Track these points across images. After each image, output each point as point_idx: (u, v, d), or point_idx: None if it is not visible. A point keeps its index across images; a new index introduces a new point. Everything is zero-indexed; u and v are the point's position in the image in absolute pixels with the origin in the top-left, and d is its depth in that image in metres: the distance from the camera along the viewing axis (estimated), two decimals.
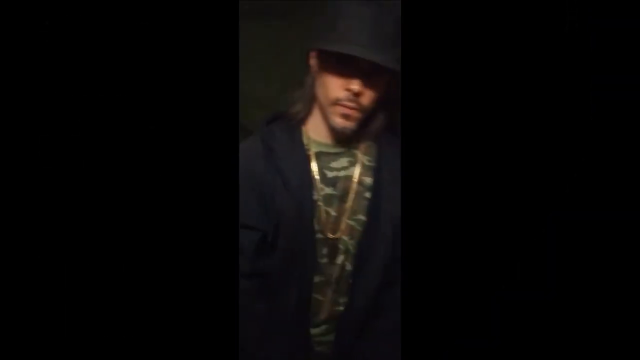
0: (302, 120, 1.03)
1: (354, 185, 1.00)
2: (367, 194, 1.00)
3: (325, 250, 0.99)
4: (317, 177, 1.00)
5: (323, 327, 1.01)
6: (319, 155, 1.02)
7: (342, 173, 1.01)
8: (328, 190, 1.00)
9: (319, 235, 0.99)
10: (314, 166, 1.00)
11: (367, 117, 1.01)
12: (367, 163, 1.03)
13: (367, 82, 0.93)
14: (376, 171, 1.01)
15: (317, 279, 0.99)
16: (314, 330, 1.01)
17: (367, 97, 0.95)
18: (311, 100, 1.01)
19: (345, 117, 0.95)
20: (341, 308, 1.00)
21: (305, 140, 1.02)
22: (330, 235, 0.99)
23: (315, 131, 1.02)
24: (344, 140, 1.02)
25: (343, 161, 1.02)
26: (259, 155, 1.01)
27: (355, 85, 0.92)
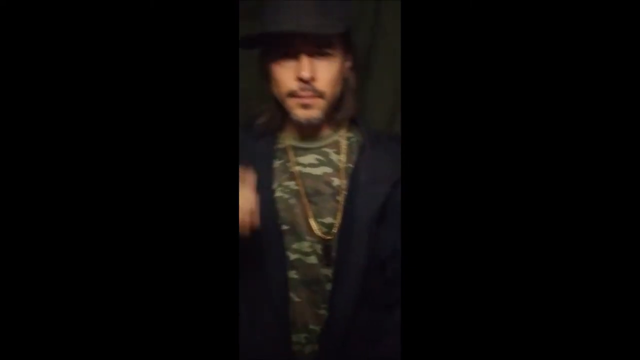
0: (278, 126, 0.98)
1: (322, 186, 0.95)
2: (338, 197, 0.94)
3: (296, 245, 0.94)
4: (280, 170, 0.96)
5: (302, 335, 0.95)
6: (287, 150, 0.97)
7: (306, 170, 0.96)
8: (290, 184, 0.95)
9: (285, 227, 0.93)
10: (279, 159, 0.96)
11: (336, 103, 0.95)
12: (339, 164, 0.96)
13: (317, 64, 0.88)
14: (353, 173, 0.95)
15: (291, 275, 0.93)
16: (293, 337, 0.95)
17: (323, 81, 0.89)
18: (276, 103, 0.95)
19: (305, 107, 0.90)
20: (321, 312, 0.94)
21: (278, 134, 0.98)
22: (301, 232, 0.94)
23: (290, 124, 0.97)
24: (315, 135, 0.97)
25: (310, 158, 0.97)
26: None
27: (305, 71, 0.86)
